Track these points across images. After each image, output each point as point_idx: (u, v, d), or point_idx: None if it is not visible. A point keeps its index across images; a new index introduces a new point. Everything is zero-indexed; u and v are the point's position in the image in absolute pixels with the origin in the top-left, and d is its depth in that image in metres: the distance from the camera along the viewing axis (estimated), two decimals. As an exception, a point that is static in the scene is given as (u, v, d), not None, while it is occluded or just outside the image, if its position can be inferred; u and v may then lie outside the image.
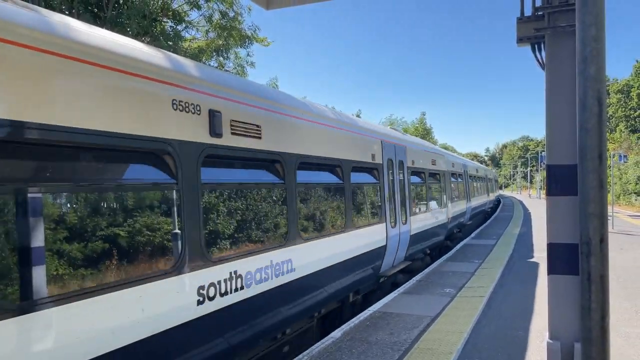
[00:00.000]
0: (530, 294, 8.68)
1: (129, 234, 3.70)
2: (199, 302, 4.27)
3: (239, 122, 4.95)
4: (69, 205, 3.38)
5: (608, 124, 58.65)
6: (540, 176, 64.02)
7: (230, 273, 4.68)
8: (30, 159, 3.14)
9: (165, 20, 11.40)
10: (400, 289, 9.24)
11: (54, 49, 3.20)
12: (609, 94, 60.21)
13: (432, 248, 13.08)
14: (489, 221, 26.02)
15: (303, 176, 6.22)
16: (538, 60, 3.15)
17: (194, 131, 4.33)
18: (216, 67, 12.21)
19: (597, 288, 1.23)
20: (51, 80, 3.17)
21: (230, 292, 4.68)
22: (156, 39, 10.49)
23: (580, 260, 1.26)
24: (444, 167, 14.96)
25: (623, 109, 60.24)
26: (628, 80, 60.08)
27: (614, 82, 61.45)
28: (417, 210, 11.47)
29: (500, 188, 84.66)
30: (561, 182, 2.68)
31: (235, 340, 4.84)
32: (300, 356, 5.74)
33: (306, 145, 6.28)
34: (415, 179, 11.48)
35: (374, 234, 8.46)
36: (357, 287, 7.93)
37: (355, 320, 7.16)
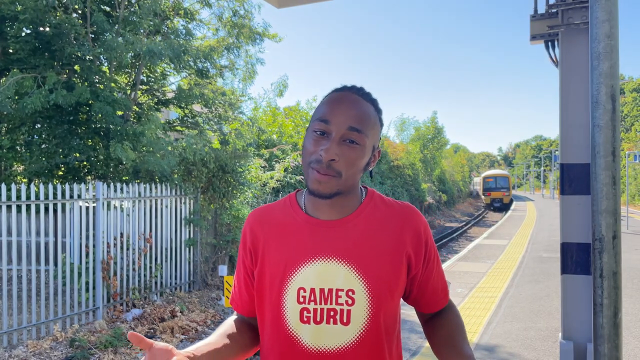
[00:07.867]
0: (544, 294, 8.62)
1: None
2: None
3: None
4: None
5: (623, 123, 57.84)
6: (553, 176, 63.24)
7: None
8: None
9: (176, 18, 11.46)
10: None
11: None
12: (624, 93, 59.33)
13: None
14: (501, 221, 25.84)
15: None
16: (552, 58, 3.12)
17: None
18: (227, 66, 12.26)
19: (610, 284, 1.22)
20: None
21: None
22: (167, 37, 10.55)
23: (592, 256, 1.25)
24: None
25: (639, 107, 59.22)
26: (644, 79, 59.05)
27: (630, 80, 60.47)
28: None
29: (513, 188, 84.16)
30: (575, 181, 2.65)
31: None
32: None
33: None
34: None
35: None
36: None
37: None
